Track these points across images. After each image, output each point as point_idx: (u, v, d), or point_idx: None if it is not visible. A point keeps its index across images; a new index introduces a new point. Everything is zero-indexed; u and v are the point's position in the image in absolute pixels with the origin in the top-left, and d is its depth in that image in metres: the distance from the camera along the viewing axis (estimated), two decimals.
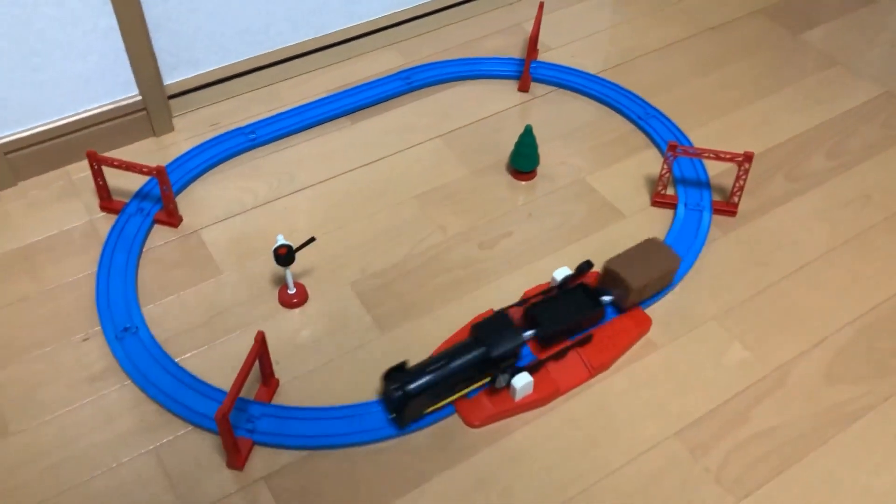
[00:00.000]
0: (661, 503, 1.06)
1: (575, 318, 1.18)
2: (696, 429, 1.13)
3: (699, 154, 1.37)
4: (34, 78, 1.36)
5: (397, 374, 1.10)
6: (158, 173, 1.30)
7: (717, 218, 1.41)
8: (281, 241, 1.19)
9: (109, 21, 1.36)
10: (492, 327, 1.12)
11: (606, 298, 1.22)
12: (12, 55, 1.32)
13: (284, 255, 1.20)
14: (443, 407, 1.12)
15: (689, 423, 1.14)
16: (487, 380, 1.13)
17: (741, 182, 1.38)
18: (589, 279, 1.26)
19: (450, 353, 1.11)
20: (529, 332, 1.15)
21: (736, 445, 1.12)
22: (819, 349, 1.23)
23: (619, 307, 1.24)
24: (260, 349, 1.08)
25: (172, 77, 1.60)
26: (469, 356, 1.10)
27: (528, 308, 1.18)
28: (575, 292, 1.21)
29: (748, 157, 1.35)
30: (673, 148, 1.37)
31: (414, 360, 1.13)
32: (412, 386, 1.07)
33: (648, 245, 1.26)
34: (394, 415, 1.10)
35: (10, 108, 1.37)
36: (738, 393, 1.18)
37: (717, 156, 1.36)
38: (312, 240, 1.23)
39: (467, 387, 1.12)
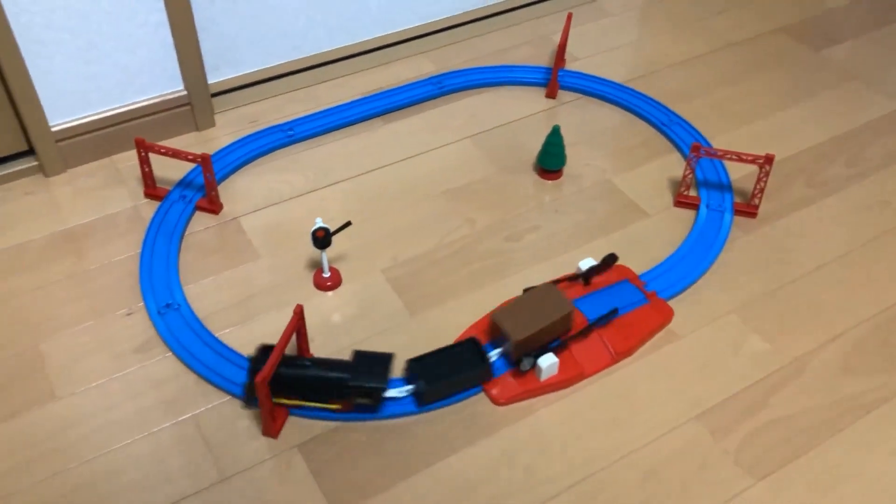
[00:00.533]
0: (680, 481, 1.09)
1: (457, 377, 1.15)
2: (716, 413, 1.17)
3: (721, 156, 1.42)
4: (88, 69, 1.43)
5: (263, 355, 1.10)
6: (203, 160, 1.36)
7: (738, 219, 1.45)
8: (319, 223, 1.24)
9: (160, 17, 1.44)
10: (373, 361, 1.13)
11: (495, 353, 1.18)
12: (71, 47, 1.39)
13: (322, 238, 1.25)
14: (294, 406, 1.12)
15: (708, 407, 1.18)
16: (337, 407, 1.12)
17: (762, 184, 1.43)
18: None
19: (319, 361, 1.12)
20: (407, 387, 1.15)
21: (755, 430, 1.15)
22: (836, 343, 1.26)
23: (509, 360, 1.18)
24: (298, 322, 1.13)
25: (214, 77, 1.67)
26: (329, 374, 1.10)
27: (412, 361, 1.16)
28: (464, 348, 1.18)
29: (769, 160, 1.40)
30: (696, 149, 1.42)
31: (440, 344, 1.18)
32: (265, 375, 1.07)
33: (540, 293, 1.20)
34: (246, 387, 1.12)
35: (63, 97, 1.44)
36: (756, 381, 1.21)
37: (739, 157, 1.41)
38: (348, 224, 1.29)
39: (319, 401, 1.11)
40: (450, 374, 1.15)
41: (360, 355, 1.14)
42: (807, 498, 1.08)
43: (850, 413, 1.17)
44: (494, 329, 1.19)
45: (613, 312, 1.23)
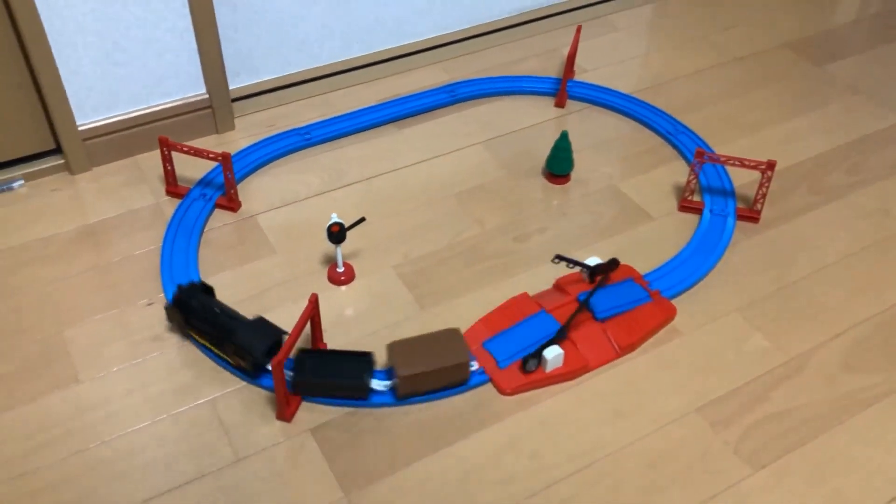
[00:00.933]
0: (681, 470, 1.12)
1: (332, 381, 1.16)
2: (717, 406, 1.20)
3: (725, 161, 1.46)
4: (116, 71, 1.49)
5: (195, 288, 1.23)
6: (224, 159, 1.41)
7: (740, 224, 1.49)
8: (335, 218, 1.29)
9: (186, 23, 1.50)
10: (269, 330, 1.19)
11: (383, 384, 1.18)
12: (100, 49, 1.45)
13: (337, 233, 1.30)
14: (204, 346, 1.23)
15: (710, 400, 1.21)
16: (230, 361, 1.20)
17: (764, 189, 1.47)
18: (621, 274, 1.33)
19: (226, 311, 1.21)
20: (289, 372, 1.17)
21: (755, 422, 1.18)
22: (836, 341, 1.30)
23: (395, 394, 1.17)
24: (313, 310, 1.17)
25: (234, 83, 1.73)
26: (223, 321, 1.19)
27: (302, 350, 1.19)
28: (360, 360, 1.18)
29: (770, 165, 1.44)
30: (700, 155, 1.47)
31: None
32: (182, 300, 1.21)
33: (444, 335, 1.19)
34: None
35: (91, 97, 1.50)
36: (757, 376, 1.24)
37: (742, 163, 1.45)
38: (363, 220, 1.33)
39: (214, 346, 1.21)
40: (326, 375, 1.16)
41: (263, 321, 1.20)
42: (806, 488, 1.11)
43: (850, 408, 1.20)
44: (390, 359, 1.18)
45: (604, 278, 1.26)
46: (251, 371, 1.18)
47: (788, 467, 1.13)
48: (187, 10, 1.48)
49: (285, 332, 1.20)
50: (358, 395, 1.17)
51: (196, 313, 1.21)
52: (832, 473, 1.12)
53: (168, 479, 1.09)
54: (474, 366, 1.22)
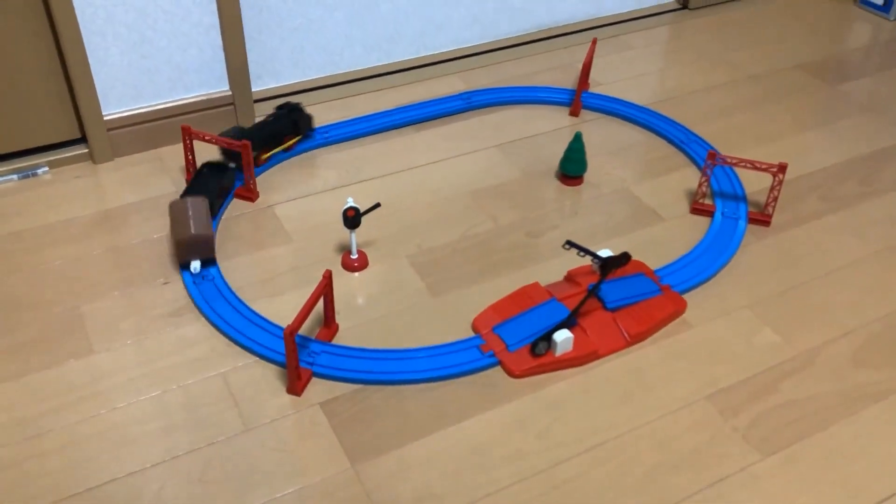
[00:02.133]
0: (689, 454, 1.12)
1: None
2: (727, 394, 1.20)
3: (736, 163, 1.48)
4: (142, 64, 1.54)
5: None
6: (244, 147, 1.44)
7: (751, 227, 1.50)
8: (350, 202, 1.31)
9: (212, 19, 1.55)
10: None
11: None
12: (128, 41, 1.50)
13: (352, 217, 1.32)
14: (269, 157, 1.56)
15: (719, 388, 1.21)
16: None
17: (775, 193, 1.48)
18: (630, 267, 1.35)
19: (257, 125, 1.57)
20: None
21: (764, 411, 1.18)
22: (846, 338, 1.30)
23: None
24: (326, 286, 1.19)
25: (256, 85, 1.78)
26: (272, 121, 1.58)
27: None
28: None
29: (782, 168, 1.46)
30: (712, 157, 1.49)
31: (462, 324, 1.26)
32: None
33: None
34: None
35: (117, 88, 1.54)
36: (767, 368, 1.24)
37: (753, 165, 1.47)
38: (378, 205, 1.36)
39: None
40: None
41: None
42: (815, 474, 1.10)
43: (860, 400, 1.20)
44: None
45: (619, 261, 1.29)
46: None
47: (798, 455, 1.12)
48: (214, 7, 1.53)
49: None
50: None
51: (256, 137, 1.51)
52: (841, 462, 1.12)
53: (176, 445, 1.10)
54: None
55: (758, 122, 1.79)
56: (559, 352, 1.22)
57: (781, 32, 2.14)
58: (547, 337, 1.20)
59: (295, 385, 1.16)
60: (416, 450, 1.11)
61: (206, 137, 1.47)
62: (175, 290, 1.33)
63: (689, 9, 2.23)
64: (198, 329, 1.26)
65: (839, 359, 1.26)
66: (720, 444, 1.13)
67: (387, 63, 1.91)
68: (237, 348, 1.24)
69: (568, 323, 1.23)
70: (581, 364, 1.23)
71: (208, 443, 1.10)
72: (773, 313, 1.33)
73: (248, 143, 1.45)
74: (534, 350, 1.21)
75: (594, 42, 1.83)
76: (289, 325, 1.10)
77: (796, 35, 2.13)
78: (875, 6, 2.24)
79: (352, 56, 1.86)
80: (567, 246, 1.27)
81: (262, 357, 1.22)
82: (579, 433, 1.14)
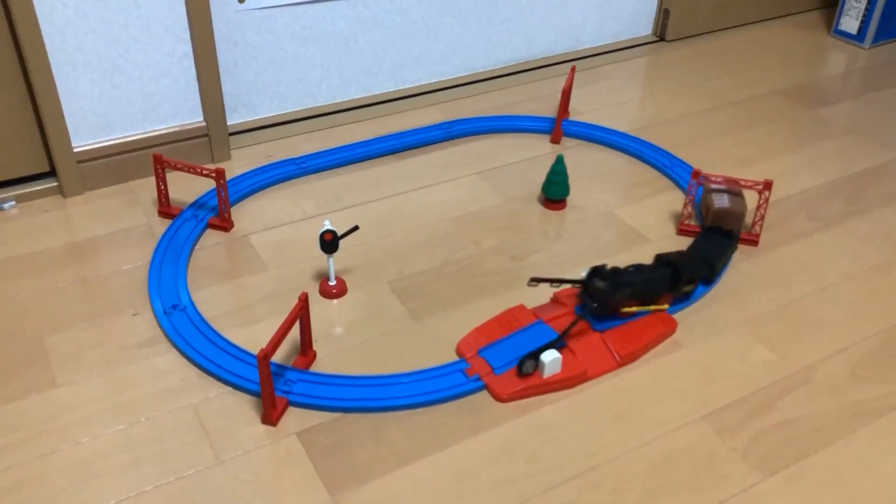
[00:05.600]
0: (687, 475, 1.06)
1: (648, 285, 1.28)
2: (723, 414, 1.15)
3: (721, 181, 1.45)
4: (113, 94, 1.51)
5: (603, 271, 1.24)
6: (217, 174, 1.40)
7: (740, 247, 1.47)
8: (327, 226, 1.27)
9: (185, 48, 1.52)
10: (680, 256, 1.33)
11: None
12: (99, 70, 1.47)
13: (330, 241, 1.28)
14: (629, 315, 1.26)
15: (715, 409, 1.16)
16: (664, 305, 1.29)
17: (762, 211, 1.45)
18: None
19: (643, 266, 1.28)
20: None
21: (762, 430, 1.13)
22: (843, 354, 1.25)
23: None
24: (302, 308, 1.14)
25: (232, 119, 1.75)
26: (660, 272, 1.28)
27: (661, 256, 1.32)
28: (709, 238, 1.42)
29: (767, 185, 1.43)
30: (696, 175, 1.46)
31: (445, 348, 1.22)
32: (621, 279, 1.23)
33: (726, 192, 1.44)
34: (595, 305, 1.23)
35: (88, 119, 1.50)
36: (763, 387, 1.20)
37: (738, 183, 1.44)
38: (356, 228, 1.32)
39: (654, 303, 1.27)
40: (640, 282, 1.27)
41: (664, 256, 1.31)
42: (819, 493, 1.04)
43: (860, 417, 1.15)
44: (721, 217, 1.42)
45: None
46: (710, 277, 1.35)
47: (800, 474, 1.07)
48: (187, 35, 1.51)
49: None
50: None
51: (631, 284, 1.24)
52: (846, 480, 1.06)
53: (144, 479, 1.03)
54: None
55: (740, 146, 1.78)
56: (547, 373, 1.16)
57: (758, 61, 2.15)
58: (534, 355, 1.16)
59: (270, 414, 1.10)
60: (399, 479, 1.05)
61: (178, 166, 1.43)
62: (145, 320, 1.27)
63: (666, 41, 2.24)
64: (168, 360, 1.20)
65: (837, 375, 1.22)
66: (719, 464, 1.08)
67: (365, 96, 1.89)
68: (209, 378, 1.18)
69: (556, 344, 1.18)
70: (570, 386, 1.18)
71: (177, 476, 1.04)
72: (767, 331, 1.29)
73: (223, 169, 1.41)
74: (521, 369, 1.16)
75: (573, 69, 1.82)
76: (262, 349, 1.04)
77: (773, 64, 2.14)
78: (849, 35, 2.26)
79: (329, 89, 1.84)
80: (533, 283, 1.23)
81: (235, 386, 1.16)
82: (571, 457, 1.08)
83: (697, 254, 1.36)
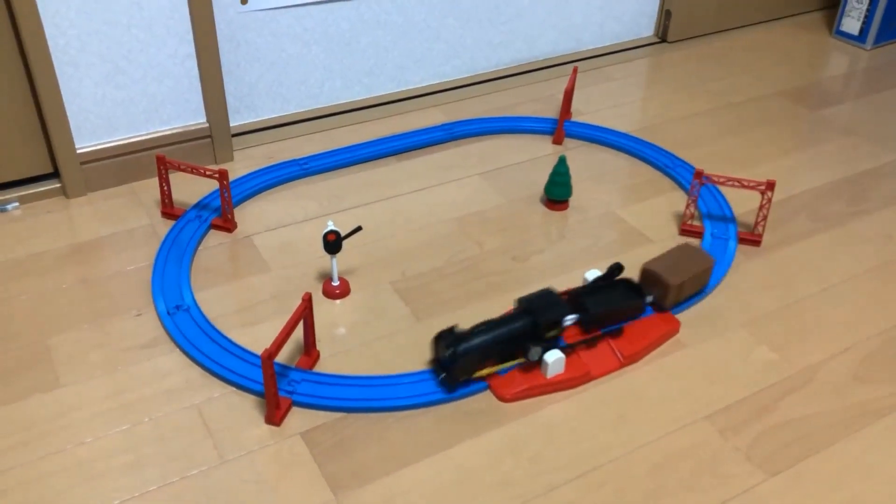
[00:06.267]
0: (690, 475, 1.06)
1: (619, 306, 1.22)
2: (726, 414, 1.15)
3: (724, 182, 1.45)
4: (116, 95, 1.51)
5: (448, 336, 1.14)
6: (220, 175, 1.41)
7: (742, 247, 1.47)
8: (331, 226, 1.27)
9: (189, 49, 1.52)
10: (539, 300, 1.18)
11: (648, 298, 1.27)
12: (102, 71, 1.47)
13: (333, 242, 1.28)
14: (489, 375, 1.16)
15: (718, 409, 1.16)
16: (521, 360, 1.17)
17: (764, 211, 1.45)
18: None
19: (497, 320, 1.16)
20: (573, 316, 1.18)
21: (765, 430, 1.13)
22: (846, 354, 1.26)
23: (660, 306, 1.28)
24: (306, 308, 1.14)
25: (235, 120, 1.75)
26: (518, 323, 1.15)
27: (573, 293, 1.23)
28: (618, 286, 1.25)
29: (770, 185, 1.43)
30: (699, 175, 1.46)
31: None
32: (462, 346, 1.12)
33: (682, 248, 1.33)
34: (443, 375, 1.14)
35: (91, 121, 1.51)
36: (766, 387, 1.20)
37: (741, 183, 1.44)
38: (359, 229, 1.32)
39: (513, 356, 1.16)
40: (611, 303, 1.21)
41: (523, 300, 1.19)
42: (824, 493, 1.05)
43: (863, 417, 1.15)
44: (646, 278, 1.29)
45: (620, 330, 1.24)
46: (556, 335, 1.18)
47: (804, 474, 1.07)
48: (190, 37, 1.51)
49: (545, 289, 1.21)
50: (639, 312, 1.25)
51: (484, 349, 1.13)
52: (850, 480, 1.06)
53: (147, 480, 1.03)
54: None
55: (741, 147, 1.78)
56: (550, 374, 1.17)
57: (760, 62, 2.15)
58: (539, 343, 1.15)
59: (273, 414, 1.10)
60: (401, 478, 1.05)
61: (182, 167, 1.43)
62: (149, 320, 1.27)
63: (668, 42, 2.24)
64: (172, 360, 1.20)
65: (839, 375, 1.22)
66: (722, 464, 1.08)
67: (367, 97, 1.90)
68: (213, 379, 1.18)
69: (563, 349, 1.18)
70: (573, 386, 1.18)
71: (181, 476, 1.04)
72: (769, 331, 1.29)
73: (226, 170, 1.41)
74: (527, 355, 1.15)
75: (575, 70, 1.83)
76: (266, 349, 1.05)
77: (775, 65, 2.14)
78: (851, 36, 2.26)
79: (331, 90, 1.84)
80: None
81: (239, 387, 1.16)
82: (574, 457, 1.08)
83: (581, 295, 1.22)
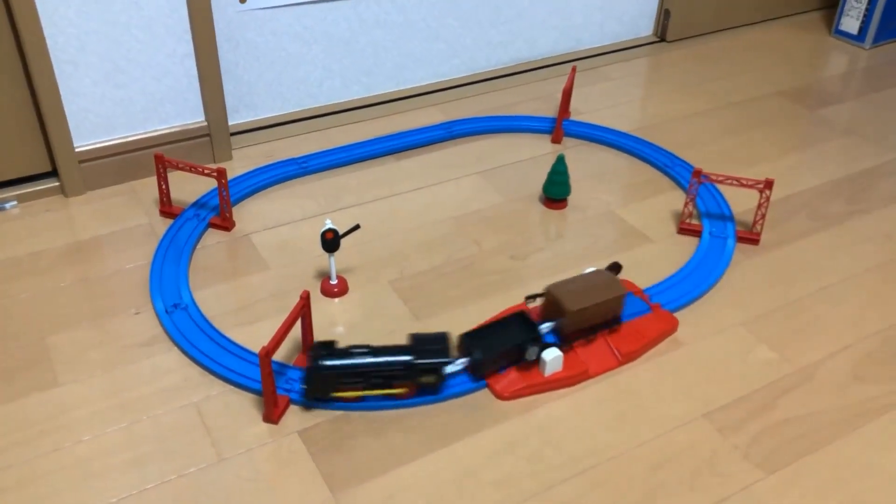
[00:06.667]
0: (688, 473, 1.06)
1: (508, 347, 1.15)
2: (724, 412, 1.15)
3: (723, 180, 1.45)
4: (115, 94, 1.51)
5: (321, 348, 1.11)
6: (219, 173, 1.40)
7: (740, 246, 1.47)
8: (329, 224, 1.27)
9: (187, 48, 1.52)
10: (429, 342, 1.13)
11: (546, 326, 1.19)
12: (101, 70, 1.47)
13: (331, 240, 1.28)
14: (355, 399, 1.11)
15: (716, 407, 1.16)
16: (402, 390, 1.12)
17: (763, 210, 1.45)
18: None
19: (379, 348, 1.11)
20: (462, 360, 1.14)
21: (764, 428, 1.13)
22: (844, 353, 1.26)
23: (560, 335, 1.19)
24: (304, 306, 1.14)
25: (233, 119, 1.75)
26: (393, 357, 1.10)
27: (463, 336, 1.17)
28: (512, 321, 1.19)
29: (769, 184, 1.43)
30: (697, 174, 1.46)
31: None
32: (324, 363, 1.08)
33: (596, 275, 1.24)
34: (305, 386, 1.10)
35: (90, 119, 1.51)
36: (765, 385, 1.20)
37: (739, 182, 1.44)
38: (357, 227, 1.32)
39: (383, 389, 1.11)
40: (500, 345, 1.15)
41: (415, 336, 1.14)
42: (823, 492, 1.04)
43: (863, 415, 1.15)
44: (549, 302, 1.21)
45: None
46: (438, 386, 1.13)
47: (803, 472, 1.07)
48: (189, 36, 1.51)
49: (442, 333, 1.15)
50: (521, 357, 1.16)
51: (349, 371, 1.09)
52: (847, 478, 1.06)
53: (145, 478, 1.03)
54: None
55: (741, 147, 1.78)
56: (548, 371, 1.17)
57: (759, 62, 2.15)
58: (537, 342, 1.15)
59: (271, 412, 1.10)
60: (400, 476, 1.05)
61: (180, 165, 1.43)
62: (147, 319, 1.27)
63: (667, 41, 2.24)
64: (170, 359, 1.20)
65: (838, 374, 1.22)
66: (721, 463, 1.08)
67: (366, 96, 1.90)
68: (211, 377, 1.18)
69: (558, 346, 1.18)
70: (571, 384, 1.18)
71: (179, 475, 1.04)
72: (768, 330, 1.29)
73: (224, 169, 1.41)
74: (524, 355, 1.15)
75: (574, 69, 1.83)
76: (264, 347, 1.05)
77: (774, 64, 2.14)
78: (850, 35, 2.26)
79: (330, 89, 1.84)
80: (529, 301, 1.23)
81: (237, 385, 1.16)
82: (572, 455, 1.08)
83: (469, 337, 1.16)
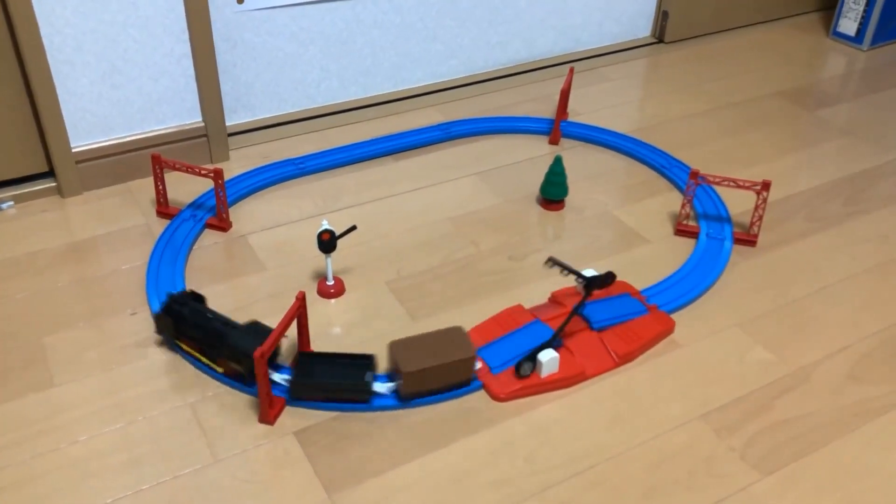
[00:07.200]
0: (685, 474, 1.06)
1: (329, 383, 1.11)
2: (721, 413, 1.15)
3: (720, 182, 1.45)
4: (112, 94, 1.51)
5: (181, 296, 1.18)
6: (216, 174, 1.40)
7: (737, 247, 1.47)
8: (325, 225, 1.27)
9: (184, 48, 1.52)
10: (260, 330, 1.13)
11: (385, 383, 1.13)
12: (98, 70, 1.47)
13: (327, 241, 1.28)
14: (194, 356, 1.17)
15: (713, 408, 1.16)
16: (221, 370, 1.14)
17: (760, 211, 1.45)
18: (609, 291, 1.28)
19: (219, 316, 1.16)
20: (283, 374, 1.12)
21: (761, 429, 1.13)
22: (841, 354, 1.25)
23: (399, 395, 1.12)
24: (300, 307, 1.14)
25: (231, 119, 1.75)
26: (215, 326, 1.14)
27: (302, 352, 1.16)
28: (356, 361, 1.14)
29: (766, 186, 1.43)
30: (694, 175, 1.46)
31: None
32: (171, 307, 1.16)
33: (450, 332, 1.15)
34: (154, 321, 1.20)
35: (87, 119, 1.50)
36: (762, 386, 1.19)
37: (736, 184, 1.44)
38: (354, 228, 1.31)
39: (205, 354, 1.16)
40: (324, 377, 1.12)
41: (259, 325, 1.15)
42: (819, 493, 1.04)
43: (859, 416, 1.15)
44: (390, 358, 1.13)
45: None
46: (247, 375, 1.12)
47: (799, 473, 1.07)
48: (186, 36, 1.51)
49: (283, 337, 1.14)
50: (360, 397, 1.11)
51: (186, 320, 1.16)
52: (846, 479, 1.06)
53: (141, 478, 1.03)
54: (478, 365, 1.17)
55: (739, 148, 1.78)
56: (545, 373, 1.16)
57: (757, 63, 2.15)
58: (532, 357, 1.15)
59: (267, 413, 1.10)
60: (396, 478, 1.05)
61: (177, 166, 1.43)
62: (143, 319, 1.27)
63: (665, 42, 2.24)
64: (167, 360, 1.20)
65: (835, 375, 1.22)
66: (717, 464, 1.08)
67: (363, 97, 1.90)
68: (207, 378, 1.17)
69: (553, 343, 1.18)
70: (568, 385, 1.18)
71: (174, 475, 1.04)
72: (765, 331, 1.29)
73: (221, 170, 1.41)
74: (518, 371, 1.16)
75: (571, 70, 1.83)
76: (259, 348, 1.04)
77: (772, 66, 2.14)
78: (848, 37, 2.26)
79: (328, 89, 1.84)
80: (549, 263, 1.23)
81: (232, 386, 1.16)
82: (569, 456, 1.08)
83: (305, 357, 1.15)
